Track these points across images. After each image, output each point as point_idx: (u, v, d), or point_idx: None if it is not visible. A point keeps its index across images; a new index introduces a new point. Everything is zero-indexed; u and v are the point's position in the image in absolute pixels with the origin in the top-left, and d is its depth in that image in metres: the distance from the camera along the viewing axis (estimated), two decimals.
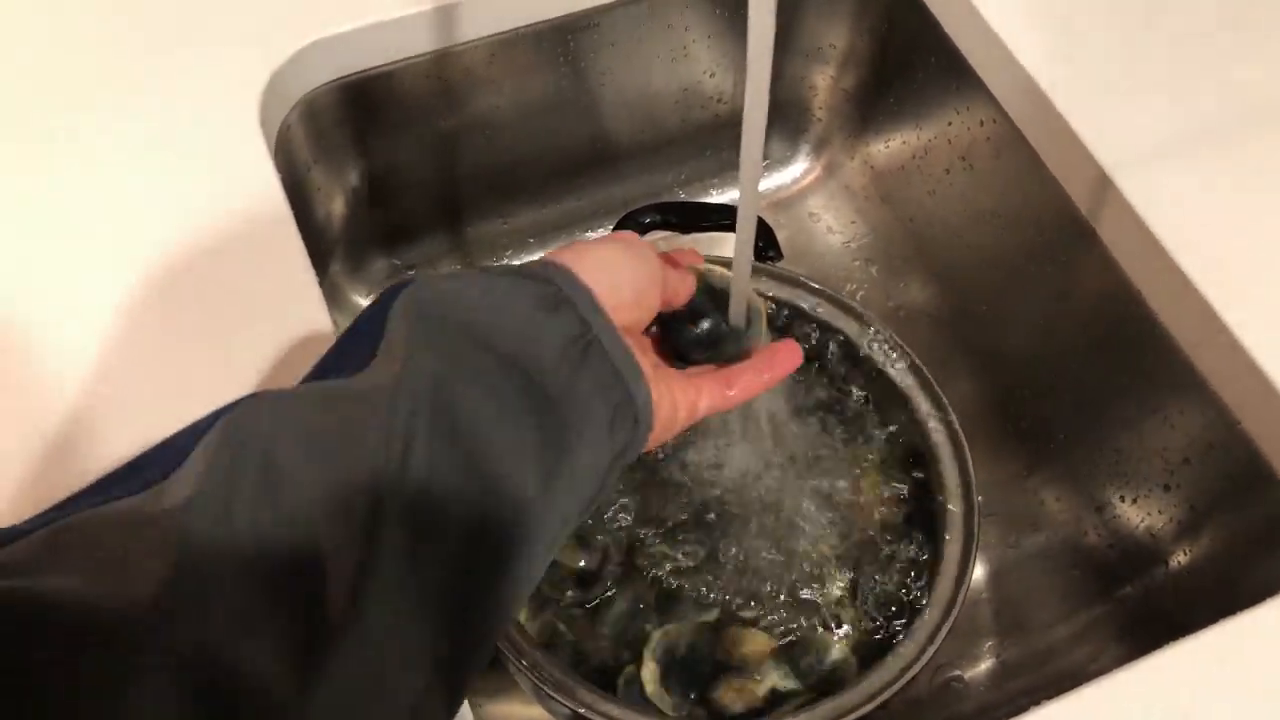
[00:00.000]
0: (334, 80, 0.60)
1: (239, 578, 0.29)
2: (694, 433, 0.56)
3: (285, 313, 0.48)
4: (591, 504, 0.38)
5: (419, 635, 0.31)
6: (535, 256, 0.75)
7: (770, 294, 0.61)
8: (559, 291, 0.37)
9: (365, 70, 0.61)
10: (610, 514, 0.56)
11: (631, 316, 0.40)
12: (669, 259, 0.45)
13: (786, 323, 0.60)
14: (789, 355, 0.46)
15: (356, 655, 0.29)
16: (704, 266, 0.47)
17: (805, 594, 0.55)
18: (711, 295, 0.46)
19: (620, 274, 0.40)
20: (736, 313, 0.45)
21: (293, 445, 0.31)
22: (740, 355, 0.46)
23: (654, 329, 0.46)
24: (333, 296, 0.71)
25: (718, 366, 0.45)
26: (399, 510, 0.31)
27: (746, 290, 0.45)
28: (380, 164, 0.68)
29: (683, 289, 0.45)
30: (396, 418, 0.32)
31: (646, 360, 0.41)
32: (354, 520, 0.30)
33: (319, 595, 0.29)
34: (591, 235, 0.78)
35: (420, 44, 0.61)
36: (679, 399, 0.42)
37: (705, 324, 0.45)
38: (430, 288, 0.36)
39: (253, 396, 0.33)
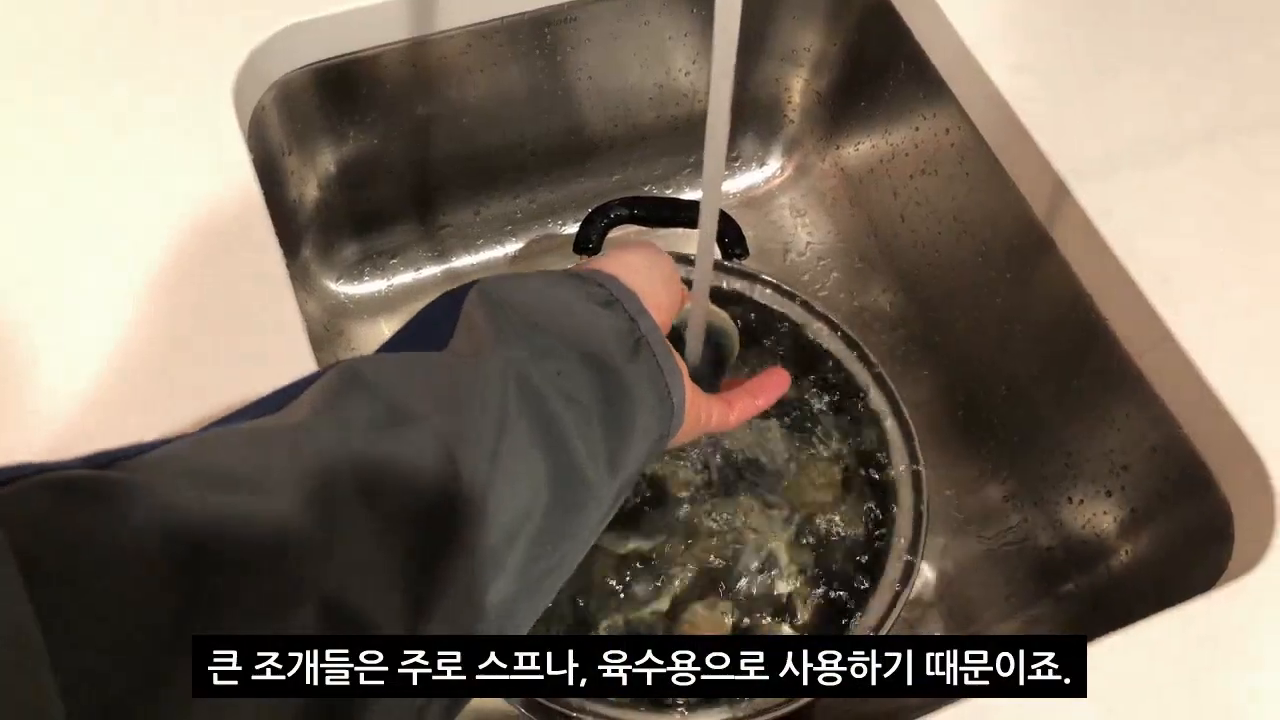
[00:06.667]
0: (311, 64, 0.61)
1: (357, 505, 0.30)
2: None
3: (250, 294, 0.49)
4: (631, 487, 0.41)
5: (505, 591, 0.33)
6: (508, 246, 0.78)
7: (733, 288, 0.62)
8: (609, 293, 0.41)
9: (343, 55, 0.61)
10: None
11: (662, 319, 0.43)
12: None
13: (752, 321, 0.62)
14: (779, 382, 0.51)
15: (458, 599, 0.31)
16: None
17: (759, 584, 0.56)
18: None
19: (654, 281, 0.44)
20: (695, 326, 0.48)
21: (406, 392, 0.34)
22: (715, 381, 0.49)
23: None
24: (302, 280, 0.72)
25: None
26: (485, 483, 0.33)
27: (706, 305, 0.47)
28: (354, 149, 0.68)
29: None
30: (490, 391, 0.35)
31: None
32: (459, 475, 0.32)
33: (428, 539, 0.31)
34: (565, 228, 0.79)
35: (399, 31, 0.62)
36: (702, 408, 0.45)
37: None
38: (495, 287, 0.39)
39: (356, 358, 0.35)
